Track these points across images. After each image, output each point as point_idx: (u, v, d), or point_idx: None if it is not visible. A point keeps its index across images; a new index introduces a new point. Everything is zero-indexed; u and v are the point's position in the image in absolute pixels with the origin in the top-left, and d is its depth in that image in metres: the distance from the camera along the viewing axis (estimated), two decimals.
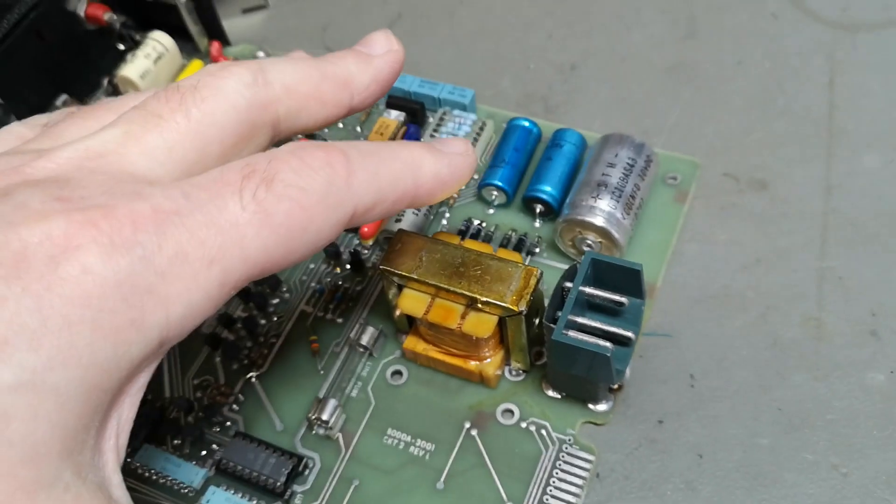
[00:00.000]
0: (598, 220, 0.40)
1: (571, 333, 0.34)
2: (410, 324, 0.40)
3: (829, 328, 0.39)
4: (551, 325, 0.34)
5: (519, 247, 0.43)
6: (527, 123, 0.46)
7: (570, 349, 0.33)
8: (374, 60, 0.32)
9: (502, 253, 0.38)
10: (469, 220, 0.44)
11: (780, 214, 0.43)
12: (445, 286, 0.36)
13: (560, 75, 0.51)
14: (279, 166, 0.26)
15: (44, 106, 0.49)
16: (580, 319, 0.35)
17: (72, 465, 0.21)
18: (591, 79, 0.51)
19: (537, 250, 0.43)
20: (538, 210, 0.44)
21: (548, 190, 0.43)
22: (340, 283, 0.43)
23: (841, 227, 0.42)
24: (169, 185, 0.25)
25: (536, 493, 0.36)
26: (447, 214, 0.45)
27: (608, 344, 0.33)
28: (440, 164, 0.31)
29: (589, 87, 0.51)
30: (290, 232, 0.25)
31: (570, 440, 0.37)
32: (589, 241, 0.41)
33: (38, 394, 0.20)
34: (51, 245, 0.22)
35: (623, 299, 0.35)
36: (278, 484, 0.37)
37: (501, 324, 0.37)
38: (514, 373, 0.40)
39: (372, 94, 0.32)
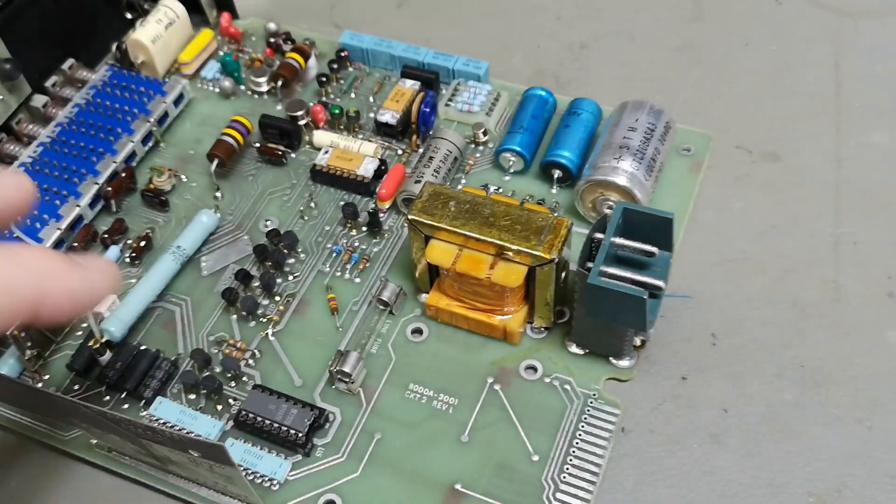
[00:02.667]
0: (622, 180, 0.40)
1: (606, 280, 0.34)
2: (431, 282, 0.39)
3: (847, 290, 0.40)
4: (585, 271, 0.34)
5: None
6: (543, 93, 0.46)
7: (606, 293, 0.33)
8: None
9: (530, 206, 0.37)
10: (486, 186, 0.44)
11: (794, 184, 0.44)
12: (476, 235, 0.36)
13: (570, 53, 0.52)
14: None
15: (52, 68, 0.49)
16: (612, 269, 0.35)
17: None
18: (600, 57, 0.51)
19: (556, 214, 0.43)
20: (556, 176, 0.44)
21: (566, 155, 0.43)
22: (357, 244, 0.43)
23: (853, 197, 0.43)
24: None
25: (563, 446, 0.36)
26: (463, 180, 0.45)
27: (643, 289, 0.33)
28: (74, 277, 0.27)
29: (599, 65, 0.51)
30: None
31: (594, 395, 0.37)
32: (610, 203, 0.41)
33: None
34: None
35: (654, 249, 0.35)
36: (300, 435, 0.36)
37: (530, 277, 0.37)
38: (535, 330, 0.39)
39: None
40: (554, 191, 0.44)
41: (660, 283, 0.35)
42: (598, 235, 0.35)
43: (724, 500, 0.34)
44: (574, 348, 0.39)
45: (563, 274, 0.37)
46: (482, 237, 0.36)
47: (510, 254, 0.36)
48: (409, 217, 0.37)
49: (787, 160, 0.45)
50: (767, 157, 0.45)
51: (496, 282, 0.36)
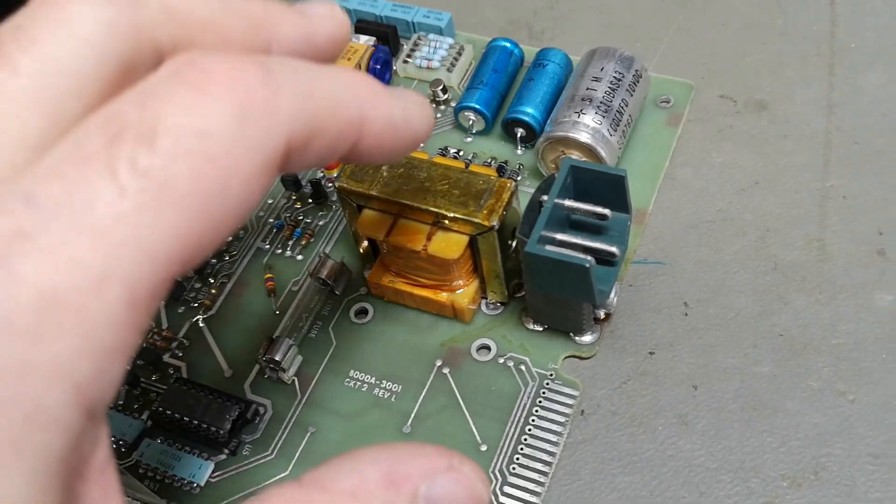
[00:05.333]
0: (583, 137, 0.36)
1: (548, 248, 0.30)
2: (377, 255, 0.36)
3: (834, 249, 0.36)
4: (524, 238, 0.30)
5: (499, 175, 0.39)
6: (508, 44, 0.43)
7: (546, 263, 0.30)
8: (310, 17, 0.23)
9: (475, 168, 0.34)
10: (445, 149, 0.41)
11: (781, 135, 0.40)
12: (409, 203, 0.32)
13: (545, 1, 0.48)
14: (160, 108, 0.17)
15: None
16: (559, 236, 0.31)
17: None
18: (577, 4, 0.48)
19: (519, 178, 0.40)
20: (519, 135, 0.40)
21: (529, 112, 0.39)
22: (301, 217, 0.40)
23: (844, 146, 0.39)
24: (3, 190, 0.17)
25: (514, 433, 0.33)
26: (421, 144, 0.41)
27: (588, 257, 0.30)
28: (395, 105, 0.23)
29: (576, 13, 0.47)
30: (205, 201, 0.18)
31: (551, 375, 0.34)
32: None
33: None
34: None
35: (605, 211, 0.32)
36: (221, 432, 0.33)
37: (473, 247, 0.33)
38: (491, 306, 0.36)
39: (298, 54, 0.23)
40: (519, 151, 0.41)
41: (612, 248, 0.31)
42: (544, 197, 0.32)
43: (688, 487, 0.31)
44: (532, 325, 0.35)
45: (514, 243, 0.34)
46: (415, 204, 0.32)
47: (447, 222, 0.32)
48: (337, 185, 0.33)
49: (774, 109, 0.41)
50: (753, 107, 0.41)
51: (433, 254, 0.32)
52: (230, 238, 0.39)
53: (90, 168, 0.17)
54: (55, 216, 0.16)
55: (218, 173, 0.18)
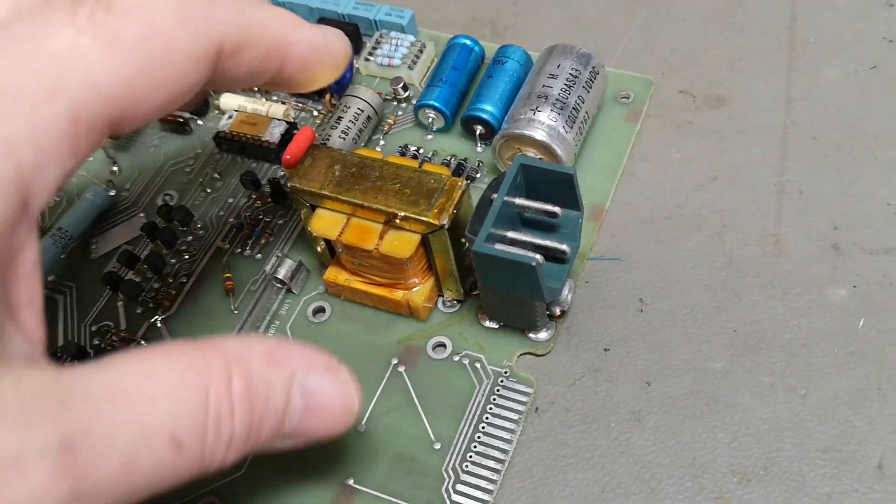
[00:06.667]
0: (538, 134, 0.36)
1: (498, 246, 0.30)
2: (333, 254, 0.36)
3: (788, 244, 0.36)
4: (472, 236, 0.30)
5: (458, 173, 0.39)
6: (468, 42, 0.43)
7: (494, 262, 0.30)
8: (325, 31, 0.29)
9: (428, 167, 0.34)
10: (405, 147, 0.41)
11: (739, 130, 0.40)
12: (360, 202, 0.32)
13: None
14: None
15: None
16: (510, 234, 0.31)
17: None
18: (541, 1, 0.47)
19: (478, 175, 0.40)
20: (478, 132, 0.40)
21: (488, 109, 0.39)
22: (261, 216, 0.39)
23: (802, 141, 0.39)
24: None
25: (468, 431, 0.33)
26: (381, 142, 0.42)
27: (535, 255, 0.30)
28: (314, 33, 0.28)
29: (539, 9, 0.47)
30: (147, 59, 0.22)
31: (506, 372, 0.34)
32: None
33: None
34: None
35: (555, 209, 0.32)
36: None
37: (426, 246, 0.33)
38: (447, 304, 0.36)
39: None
40: (479, 149, 0.41)
41: (563, 246, 0.31)
42: (494, 196, 0.32)
43: (640, 483, 0.31)
44: (488, 322, 0.35)
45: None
46: (366, 204, 0.32)
47: (398, 221, 0.32)
48: (289, 185, 0.33)
49: (732, 104, 0.41)
50: (712, 102, 0.41)
51: (386, 253, 0.32)
52: (189, 237, 0.39)
53: (55, 15, 0.21)
54: (21, 39, 0.20)
55: (159, 43, 0.22)
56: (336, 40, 0.29)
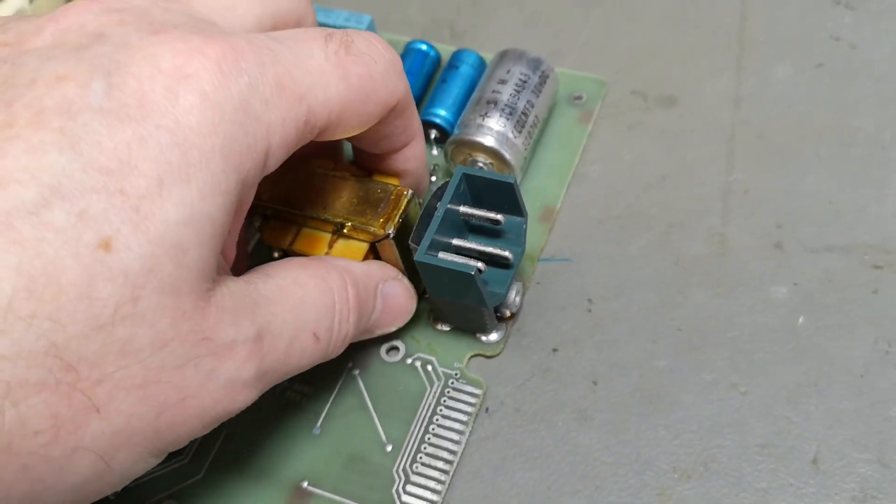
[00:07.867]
0: (488, 140, 0.37)
1: (441, 255, 0.31)
2: None
3: (734, 243, 0.36)
4: (415, 245, 0.31)
5: None
6: (424, 47, 0.43)
7: (435, 271, 0.31)
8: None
9: (379, 177, 0.35)
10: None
11: (688, 130, 0.41)
12: (309, 213, 0.33)
13: None
14: (354, 37, 0.28)
15: None
16: (455, 241, 0.32)
17: (214, 277, 0.25)
18: (500, 1, 0.48)
19: (433, 179, 0.40)
20: (433, 136, 0.41)
21: (441, 114, 0.40)
22: None
23: (749, 140, 0.40)
24: (247, 33, 0.26)
25: (418, 433, 0.33)
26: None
27: (475, 263, 0.30)
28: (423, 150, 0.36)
29: (498, 11, 0.48)
30: (361, 94, 0.28)
31: (456, 374, 0.35)
32: (480, 164, 0.38)
33: (201, 224, 0.23)
34: (163, 78, 0.22)
35: (498, 217, 0.32)
36: None
37: (376, 253, 0.34)
38: None
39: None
40: (434, 153, 0.41)
41: (506, 253, 0.32)
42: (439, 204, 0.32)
43: (585, 481, 0.32)
44: (440, 325, 0.36)
45: None
46: (314, 214, 0.33)
47: (346, 231, 0.33)
48: None
49: (683, 103, 0.42)
50: (663, 102, 0.42)
51: None
52: None
53: (313, 42, 0.27)
54: (289, 50, 0.26)
55: (370, 86, 0.28)
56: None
